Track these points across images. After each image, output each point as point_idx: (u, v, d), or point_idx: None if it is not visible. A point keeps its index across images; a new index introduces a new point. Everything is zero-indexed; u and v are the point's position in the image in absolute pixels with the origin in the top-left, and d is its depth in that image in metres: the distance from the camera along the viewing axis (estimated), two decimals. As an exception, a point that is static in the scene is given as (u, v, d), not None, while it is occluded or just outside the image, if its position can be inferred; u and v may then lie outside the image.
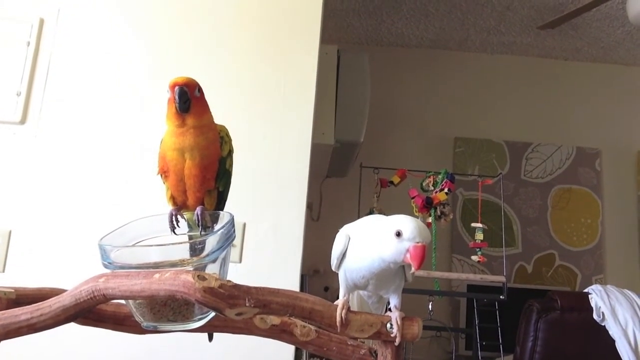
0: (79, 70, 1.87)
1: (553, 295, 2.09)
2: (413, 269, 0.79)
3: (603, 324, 2.03)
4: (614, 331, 2.01)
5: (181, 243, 0.85)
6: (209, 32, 1.92)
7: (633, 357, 1.96)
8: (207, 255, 0.79)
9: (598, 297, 2.07)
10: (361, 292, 0.92)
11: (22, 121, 1.80)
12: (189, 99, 0.91)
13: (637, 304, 2.08)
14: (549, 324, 2.03)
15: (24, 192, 1.76)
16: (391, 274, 0.84)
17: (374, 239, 0.82)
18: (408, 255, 0.78)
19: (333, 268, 0.88)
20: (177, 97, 0.90)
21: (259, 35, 1.92)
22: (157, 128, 1.80)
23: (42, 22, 1.87)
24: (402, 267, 0.85)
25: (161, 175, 0.96)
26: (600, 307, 2.04)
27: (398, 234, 0.78)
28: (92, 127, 1.83)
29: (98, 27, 1.90)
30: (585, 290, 2.15)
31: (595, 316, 2.04)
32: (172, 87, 0.91)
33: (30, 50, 1.84)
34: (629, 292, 2.14)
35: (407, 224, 0.79)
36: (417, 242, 0.77)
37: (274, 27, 1.93)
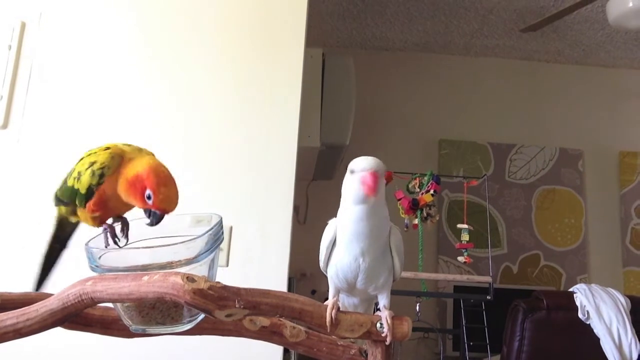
0: (62, 73, 1.85)
1: (539, 294, 2.10)
2: (366, 193, 0.77)
3: (588, 323, 2.06)
4: (598, 329, 2.03)
5: (169, 245, 0.84)
6: (192, 36, 1.91)
7: (617, 355, 1.99)
8: (196, 257, 0.78)
9: (583, 296, 2.09)
10: (346, 301, 0.91)
11: (4, 125, 1.78)
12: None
13: (620, 302, 2.11)
14: (535, 324, 2.05)
15: (6, 197, 1.74)
16: (382, 248, 0.83)
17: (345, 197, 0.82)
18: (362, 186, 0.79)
19: (321, 265, 0.87)
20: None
21: (243, 38, 1.92)
22: (140, 131, 1.80)
23: (23, 25, 1.85)
24: (391, 259, 0.85)
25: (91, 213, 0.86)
26: (585, 305, 2.07)
27: (352, 172, 0.80)
28: (76, 131, 1.81)
29: (81, 30, 1.89)
30: (570, 290, 2.17)
31: (580, 315, 2.06)
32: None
33: (12, 54, 1.82)
34: (613, 290, 2.17)
35: (356, 159, 0.80)
36: (365, 171, 0.79)
37: (259, 30, 1.93)
